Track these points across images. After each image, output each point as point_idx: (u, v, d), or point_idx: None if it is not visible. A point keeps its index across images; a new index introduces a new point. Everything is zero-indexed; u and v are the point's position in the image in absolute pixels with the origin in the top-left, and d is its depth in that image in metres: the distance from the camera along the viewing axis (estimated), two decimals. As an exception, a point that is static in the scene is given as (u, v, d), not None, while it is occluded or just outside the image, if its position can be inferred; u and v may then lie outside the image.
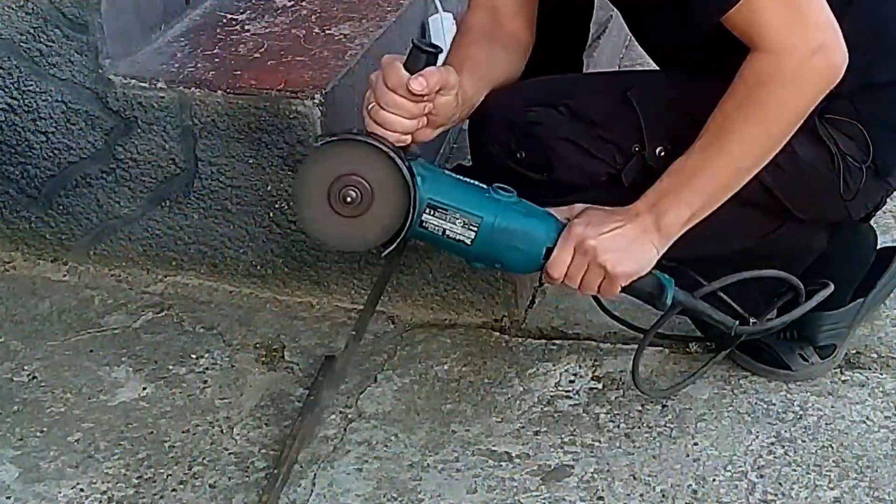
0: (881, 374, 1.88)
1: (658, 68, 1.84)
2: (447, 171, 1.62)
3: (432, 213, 1.57)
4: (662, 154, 1.64)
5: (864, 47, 1.61)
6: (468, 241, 1.58)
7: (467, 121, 1.74)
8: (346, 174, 1.53)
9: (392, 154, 1.52)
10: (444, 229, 1.58)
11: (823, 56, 1.50)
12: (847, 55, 1.52)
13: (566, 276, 1.60)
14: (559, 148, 1.65)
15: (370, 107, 1.55)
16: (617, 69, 2.87)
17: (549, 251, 1.59)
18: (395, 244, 1.57)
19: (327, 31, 2.23)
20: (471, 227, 1.57)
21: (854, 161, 1.68)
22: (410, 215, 1.54)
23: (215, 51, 2.13)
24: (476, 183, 1.60)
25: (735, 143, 1.54)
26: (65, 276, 2.18)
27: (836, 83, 1.53)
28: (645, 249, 1.60)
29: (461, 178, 1.61)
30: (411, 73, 1.51)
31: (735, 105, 1.53)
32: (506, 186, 1.60)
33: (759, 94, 1.52)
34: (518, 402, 1.84)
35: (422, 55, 1.52)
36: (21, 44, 2.04)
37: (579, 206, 1.65)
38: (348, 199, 1.53)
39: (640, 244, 1.59)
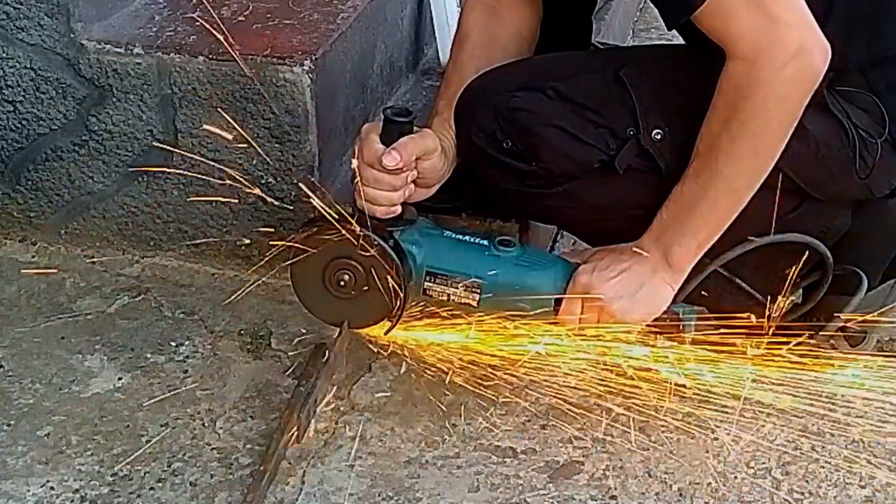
0: (917, 363, 1.86)
1: (659, 42, 1.84)
2: (447, 232, 1.70)
3: (433, 280, 1.67)
4: (659, 137, 1.64)
5: (870, 20, 1.63)
6: (474, 304, 1.68)
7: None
8: (335, 259, 1.65)
9: (373, 236, 1.62)
10: (448, 294, 1.68)
11: (802, 59, 1.50)
12: (829, 50, 1.51)
13: (580, 324, 1.65)
14: (547, 135, 1.65)
15: (355, 181, 1.63)
16: (603, 46, 2.85)
17: (560, 301, 1.66)
18: (395, 320, 1.67)
19: (317, -8, 2.21)
20: (473, 289, 1.66)
21: (869, 136, 1.67)
22: (403, 291, 1.64)
23: (196, 13, 2.10)
24: (476, 241, 1.68)
25: (726, 165, 1.56)
26: (34, 257, 2.16)
27: (820, 82, 1.53)
28: (656, 290, 1.64)
29: (461, 237, 1.69)
30: (387, 145, 1.59)
31: (720, 124, 1.54)
32: (508, 238, 1.68)
33: (741, 110, 1.52)
34: (524, 392, 1.82)
35: (393, 126, 1.61)
36: (-15, 6, 2.02)
37: (591, 251, 1.70)
38: (342, 283, 1.65)
39: (651, 286, 1.63)
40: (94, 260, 2.15)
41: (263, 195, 2.03)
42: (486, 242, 1.68)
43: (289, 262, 1.72)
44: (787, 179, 1.66)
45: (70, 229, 2.16)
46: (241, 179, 2.03)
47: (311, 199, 1.66)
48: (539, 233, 2.08)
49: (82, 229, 2.16)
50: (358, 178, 1.62)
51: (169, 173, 2.07)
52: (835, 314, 1.77)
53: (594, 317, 1.64)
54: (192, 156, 2.04)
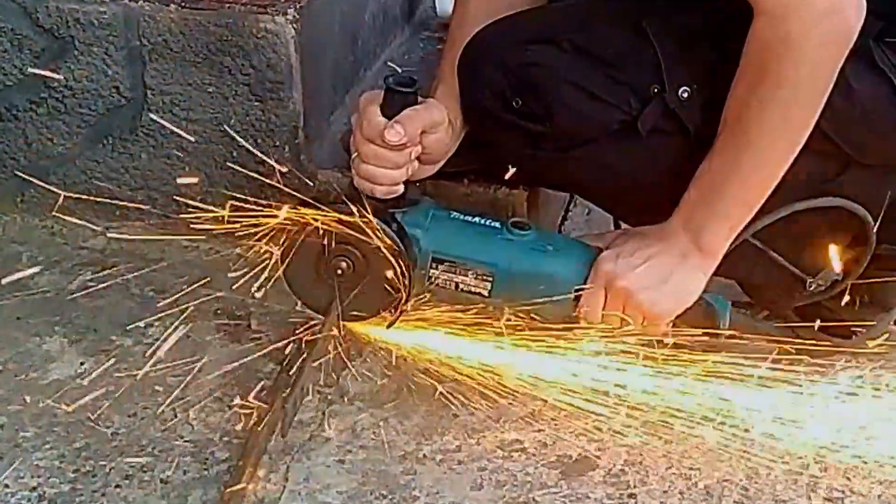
0: (969, 347, 1.85)
1: None
2: (455, 214, 1.68)
3: (439, 267, 1.65)
4: (686, 96, 1.63)
5: None
6: (485, 293, 1.65)
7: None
8: (331, 245, 1.62)
9: (375, 219, 1.59)
10: (457, 283, 1.66)
11: (834, 16, 1.49)
12: (864, 7, 1.49)
13: (603, 319, 1.64)
14: (562, 92, 1.64)
15: (353, 158, 1.61)
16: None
17: (581, 291, 1.64)
18: (398, 312, 1.65)
19: (302, -67, 2.19)
20: (485, 277, 1.64)
21: None
22: (408, 278, 1.62)
23: (167, -44, 2.09)
24: (488, 223, 1.66)
25: (756, 136, 1.55)
26: (-14, 228, 2.16)
27: (868, 34, 1.52)
28: (687, 278, 1.63)
29: (471, 219, 1.67)
30: (389, 117, 1.57)
31: (748, 90, 1.54)
32: (522, 221, 1.66)
33: (769, 74, 1.51)
34: (532, 379, 1.77)
35: (396, 97, 1.59)
36: (-69, -52, 2.00)
37: (613, 234, 1.69)
38: (339, 271, 1.62)
39: (680, 273, 1.62)
40: (54, 231, 2.15)
41: (241, 159, 2.03)
42: (498, 225, 1.66)
43: (276, 239, 1.69)
44: (828, 141, 1.64)
45: (27, 197, 2.16)
46: (217, 142, 2.03)
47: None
48: (549, 202, 2.07)
49: (41, 198, 2.14)
50: (356, 155, 1.61)
51: (137, 135, 2.06)
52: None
53: (619, 307, 1.63)
54: (162, 115, 2.03)
